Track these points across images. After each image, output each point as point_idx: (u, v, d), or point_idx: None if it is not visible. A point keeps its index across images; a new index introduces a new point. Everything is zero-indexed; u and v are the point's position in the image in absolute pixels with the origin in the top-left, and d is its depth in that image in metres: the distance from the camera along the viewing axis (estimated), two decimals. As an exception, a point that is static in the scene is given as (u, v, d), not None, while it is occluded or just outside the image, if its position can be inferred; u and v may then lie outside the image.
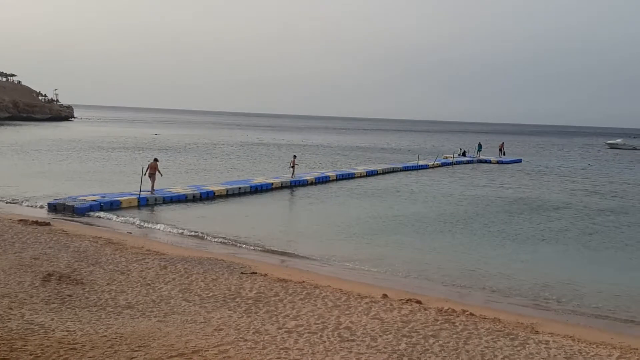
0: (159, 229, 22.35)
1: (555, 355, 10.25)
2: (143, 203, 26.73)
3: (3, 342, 9.20)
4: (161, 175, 29.63)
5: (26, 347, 9.07)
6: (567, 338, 11.42)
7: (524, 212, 29.49)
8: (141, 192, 27.26)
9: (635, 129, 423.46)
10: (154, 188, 28.58)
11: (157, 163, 29.20)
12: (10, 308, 10.98)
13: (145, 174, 28.30)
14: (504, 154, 68.37)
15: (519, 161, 66.24)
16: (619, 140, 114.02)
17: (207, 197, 29.94)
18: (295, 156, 39.90)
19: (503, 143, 74.75)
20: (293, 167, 37.73)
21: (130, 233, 21.26)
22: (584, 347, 10.87)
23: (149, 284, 13.49)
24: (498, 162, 62.41)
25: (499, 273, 17.81)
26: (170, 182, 33.69)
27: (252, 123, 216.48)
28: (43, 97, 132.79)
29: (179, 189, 30.19)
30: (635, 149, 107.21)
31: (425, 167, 52.99)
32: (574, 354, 10.40)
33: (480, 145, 71.33)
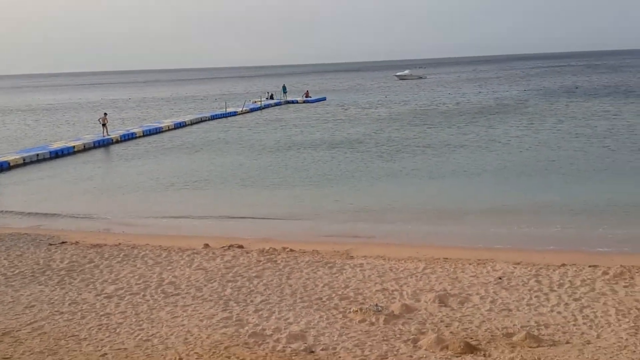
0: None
1: (370, 276, 11.05)
2: None
3: None
4: None
5: None
6: (379, 258, 12.34)
7: (337, 146, 30.65)
8: None
9: (421, 60, 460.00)
10: None
11: None
12: None
13: None
14: (310, 96, 69.78)
15: (324, 99, 68.61)
16: (406, 72, 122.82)
17: (2, 168, 27.27)
18: (106, 114, 37.91)
19: (307, 91, 76.02)
20: (104, 125, 35.74)
21: None
22: (394, 264, 11.83)
23: (-59, 272, 12.11)
24: (305, 102, 64.28)
25: (315, 207, 18.61)
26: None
27: (47, 84, 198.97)
28: None
29: (-36, 163, 27.07)
30: (420, 78, 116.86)
31: (234, 114, 52.85)
32: (385, 271, 11.29)
33: (284, 87, 72.58)
